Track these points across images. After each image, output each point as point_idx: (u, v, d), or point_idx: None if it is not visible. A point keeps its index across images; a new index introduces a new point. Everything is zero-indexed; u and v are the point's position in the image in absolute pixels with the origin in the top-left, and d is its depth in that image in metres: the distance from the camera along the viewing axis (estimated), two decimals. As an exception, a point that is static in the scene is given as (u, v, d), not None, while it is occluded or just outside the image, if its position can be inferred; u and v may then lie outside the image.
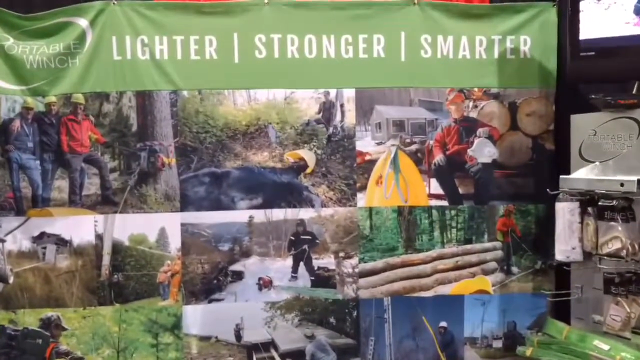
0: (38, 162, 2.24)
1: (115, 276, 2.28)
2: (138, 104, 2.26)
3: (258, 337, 2.32)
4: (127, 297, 2.28)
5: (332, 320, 2.35)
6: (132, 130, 2.28)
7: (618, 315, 1.92)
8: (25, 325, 2.24)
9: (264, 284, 2.32)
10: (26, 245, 2.26)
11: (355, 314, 2.34)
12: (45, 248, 2.26)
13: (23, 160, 2.23)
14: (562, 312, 2.23)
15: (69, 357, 2.26)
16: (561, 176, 2.06)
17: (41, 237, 2.26)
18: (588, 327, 2.05)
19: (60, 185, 2.26)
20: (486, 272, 2.39)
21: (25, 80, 2.20)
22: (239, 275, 2.32)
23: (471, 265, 2.39)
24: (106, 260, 2.28)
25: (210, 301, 2.30)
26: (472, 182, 2.38)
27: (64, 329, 2.26)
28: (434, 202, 2.37)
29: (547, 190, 2.06)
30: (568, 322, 2.15)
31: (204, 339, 2.29)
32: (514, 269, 2.40)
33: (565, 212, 2.05)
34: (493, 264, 2.40)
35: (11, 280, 2.24)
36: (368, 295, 2.34)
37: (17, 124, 2.22)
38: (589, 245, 1.99)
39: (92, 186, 2.27)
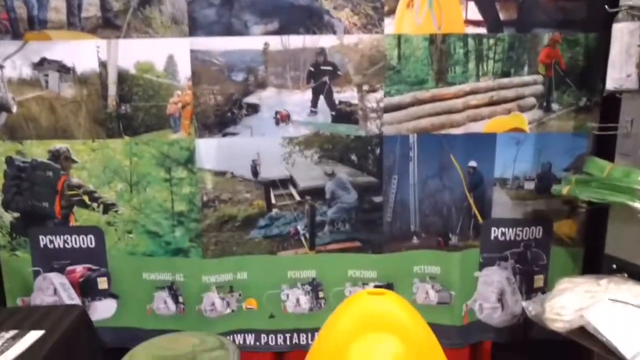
0: (29, -23, 2.02)
1: (123, 107, 2.13)
2: None
3: (276, 173, 2.20)
4: (137, 129, 2.15)
5: (353, 157, 2.21)
6: (131, -59, 2.01)
7: (672, 145, 1.74)
8: (34, 157, 2.16)
9: (281, 118, 2.16)
10: (27, 72, 2.10)
11: (378, 151, 2.19)
12: (47, 75, 2.11)
13: (13, -25, 2.01)
14: (604, 153, 2.05)
15: (81, 190, 2.19)
16: (623, -9, 1.78)
17: (42, 64, 2.09)
18: (635, 164, 1.87)
19: (57, 5, 2.04)
20: (523, 109, 2.18)
21: None
22: (254, 108, 2.15)
23: (507, 100, 2.17)
24: (112, 90, 2.12)
25: (224, 135, 2.16)
26: (515, 6, 2.10)
27: (74, 162, 2.17)
28: (471, 30, 2.11)
29: (605, 6, 1.79)
30: (611, 161, 1.98)
31: (219, 174, 2.19)
32: (555, 106, 2.18)
33: (624, 34, 1.80)
34: (531, 100, 2.18)
35: (14, 109, 2.12)
36: (393, 131, 2.17)
37: None
38: (646, 71, 1.77)
39: (91, 7, 2.05)
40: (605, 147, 2.07)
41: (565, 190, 2.00)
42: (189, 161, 2.17)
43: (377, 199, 2.22)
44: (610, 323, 1.70)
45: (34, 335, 1.52)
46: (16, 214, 2.20)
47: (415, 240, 2.27)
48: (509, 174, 2.23)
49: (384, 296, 1.94)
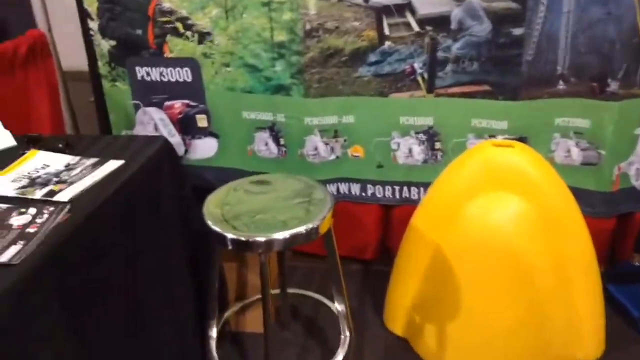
0: None
1: None
2: None
3: (390, -4, 1.82)
4: (230, -58, 1.84)
5: (490, -25, 1.75)
6: None
7: None
8: (124, -23, 1.96)
9: None
10: None
11: (524, -34, 1.71)
12: None
13: None
14: None
15: (174, 16, 1.98)
16: None
17: None
18: None
19: None
20: None
21: None
22: None
23: None
24: None
25: (330, -52, 1.79)
26: None
27: (164, -17, 1.94)
28: None
29: None
30: None
31: (323, -3, 1.85)
32: None
33: None
34: None
35: None
36: (547, -61, 1.66)
37: None
38: None
39: None
40: None
41: None
42: (289, -19, 1.84)
43: (517, 31, 1.78)
44: None
45: (113, 164, 1.41)
46: (113, 42, 2.07)
47: (561, 85, 1.82)
48: None
49: (513, 149, 1.60)
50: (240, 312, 1.85)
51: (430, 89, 1.91)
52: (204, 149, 2.20)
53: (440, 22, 1.82)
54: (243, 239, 1.32)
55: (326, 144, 2.03)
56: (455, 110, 1.91)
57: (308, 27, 1.89)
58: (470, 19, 1.80)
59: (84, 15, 2.06)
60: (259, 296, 1.77)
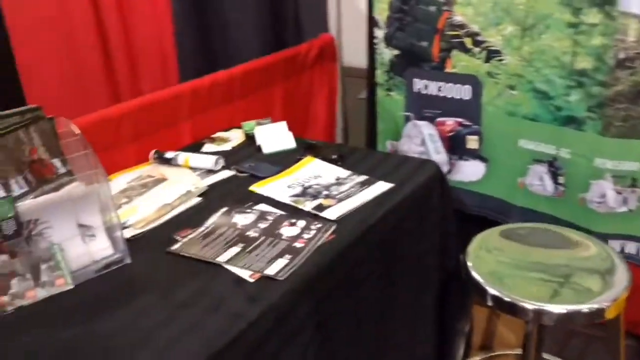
0: None
1: None
2: None
3: None
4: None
5: None
6: None
7: None
8: (419, -13, 1.90)
9: None
10: None
11: None
12: None
13: None
14: None
15: (464, 30, 1.86)
16: None
17: None
18: None
19: None
20: None
21: None
22: None
23: None
24: None
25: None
26: None
27: (460, -4, 1.83)
28: None
29: None
30: None
31: (650, 22, 1.53)
32: None
33: None
34: None
35: None
36: None
37: None
38: None
39: None
40: None
41: None
42: (608, 0, 1.57)
43: None
44: None
45: (382, 186, 1.36)
46: (396, 52, 2.04)
47: None
48: None
49: None
50: (482, 361, 1.68)
51: None
52: (469, 171, 2.05)
53: None
54: (508, 300, 1.15)
55: (619, 192, 1.71)
56: None
57: (622, 55, 1.59)
58: None
59: (372, 23, 2.07)
60: (508, 352, 1.58)
